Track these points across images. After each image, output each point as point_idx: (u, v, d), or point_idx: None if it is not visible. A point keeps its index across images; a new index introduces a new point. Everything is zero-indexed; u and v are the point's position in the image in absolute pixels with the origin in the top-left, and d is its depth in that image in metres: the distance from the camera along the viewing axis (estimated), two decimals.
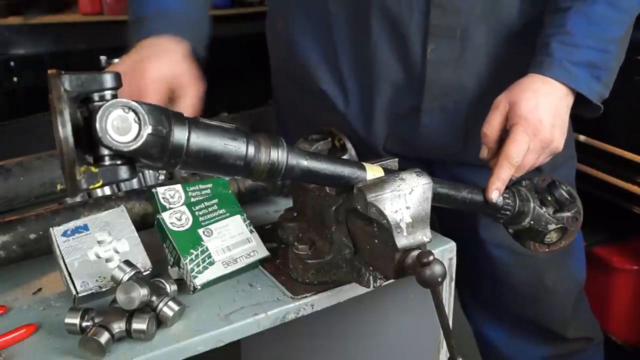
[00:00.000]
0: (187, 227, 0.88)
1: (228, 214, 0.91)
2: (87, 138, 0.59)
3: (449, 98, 1.07)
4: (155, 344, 0.74)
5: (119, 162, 0.60)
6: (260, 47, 1.34)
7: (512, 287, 1.25)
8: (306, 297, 0.83)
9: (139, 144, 0.59)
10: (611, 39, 0.95)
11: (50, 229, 0.85)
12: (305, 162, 0.72)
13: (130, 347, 0.74)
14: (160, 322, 0.77)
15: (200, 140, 0.64)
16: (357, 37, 1.07)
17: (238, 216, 0.91)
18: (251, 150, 0.67)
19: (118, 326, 0.73)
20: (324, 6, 1.08)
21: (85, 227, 0.86)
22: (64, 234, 0.84)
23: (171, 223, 0.87)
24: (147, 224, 0.94)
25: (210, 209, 0.91)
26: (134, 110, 0.59)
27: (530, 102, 0.91)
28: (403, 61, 1.04)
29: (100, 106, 0.58)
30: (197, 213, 0.89)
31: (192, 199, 0.91)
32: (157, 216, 0.88)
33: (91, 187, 0.59)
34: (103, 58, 2.46)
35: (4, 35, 2.47)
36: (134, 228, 0.87)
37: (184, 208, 0.89)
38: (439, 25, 0.99)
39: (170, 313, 0.76)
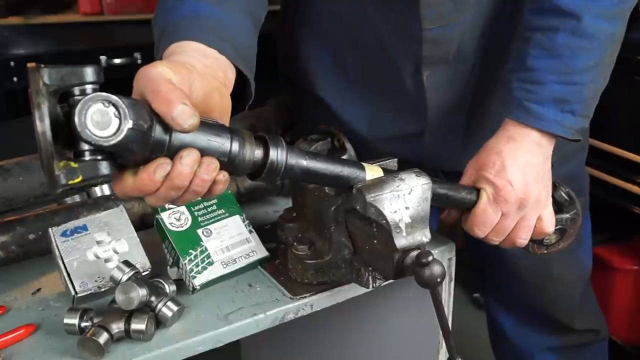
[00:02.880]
0: (186, 227, 0.87)
1: (227, 214, 0.91)
2: (68, 133, 0.58)
3: (451, 116, 1.07)
4: (154, 344, 0.74)
5: (99, 158, 0.59)
6: (260, 47, 1.34)
7: (520, 277, 1.26)
8: (305, 297, 0.83)
9: (119, 138, 0.57)
10: (579, 70, 0.87)
11: (49, 229, 0.85)
12: (304, 162, 0.72)
13: (129, 347, 0.74)
14: (159, 322, 0.77)
15: (182, 135, 0.62)
16: (358, 58, 1.07)
17: (237, 216, 0.91)
18: (235, 146, 0.66)
19: (117, 326, 0.73)
20: (327, 25, 1.08)
21: (84, 228, 0.86)
22: (63, 234, 0.84)
23: (170, 223, 0.87)
24: (146, 224, 0.94)
25: (209, 209, 0.91)
26: (114, 105, 0.57)
27: (496, 165, 0.88)
28: (400, 86, 1.04)
29: (80, 100, 0.56)
30: (196, 213, 0.89)
31: None
32: (156, 216, 0.88)
33: (70, 182, 0.57)
34: (103, 58, 2.46)
35: (4, 35, 2.47)
36: (133, 228, 0.87)
37: (183, 208, 0.89)
38: (431, 56, 0.99)
39: (169, 313, 0.76)
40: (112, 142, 0.57)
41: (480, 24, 0.99)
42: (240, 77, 0.78)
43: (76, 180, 0.58)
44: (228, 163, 0.66)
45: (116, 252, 0.85)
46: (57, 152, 0.57)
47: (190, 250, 0.85)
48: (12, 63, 2.42)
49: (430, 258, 0.68)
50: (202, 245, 0.86)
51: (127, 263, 0.79)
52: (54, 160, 0.56)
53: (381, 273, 0.79)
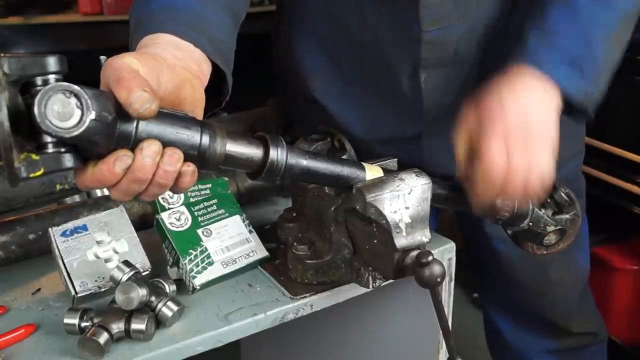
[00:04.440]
0: (186, 227, 0.87)
1: (227, 214, 0.91)
2: (30, 125, 0.56)
3: (449, 119, 1.07)
4: (154, 344, 0.74)
5: (62, 150, 0.57)
6: (260, 47, 1.34)
7: (517, 281, 1.26)
8: (305, 297, 0.83)
9: (81, 130, 0.55)
10: (595, 35, 0.88)
11: (50, 229, 0.85)
12: (304, 162, 0.72)
13: (129, 347, 0.74)
14: (159, 322, 0.77)
15: (150, 128, 0.61)
16: (354, 59, 1.07)
17: (237, 216, 0.91)
18: (205, 139, 0.64)
19: (117, 326, 0.73)
20: (322, 26, 1.07)
21: (85, 228, 0.86)
22: (63, 234, 0.84)
23: (170, 223, 0.87)
24: (146, 224, 0.94)
25: (209, 209, 0.91)
26: (76, 95, 0.55)
27: (493, 102, 0.83)
28: (397, 88, 1.04)
29: (41, 90, 0.55)
30: (196, 213, 0.89)
31: (191, 199, 0.91)
32: (156, 216, 0.88)
33: (32, 175, 0.56)
34: (103, 58, 2.47)
35: (4, 35, 2.47)
36: (133, 228, 0.87)
37: (183, 208, 0.89)
38: (429, 58, 0.98)
39: (169, 313, 0.76)
40: (74, 134, 0.55)
41: (480, 25, 0.99)
42: (219, 74, 0.77)
43: (37, 173, 0.56)
44: (198, 157, 0.64)
45: (116, 252, 0.85)
46: (18, 144, 0.55)
47: (190, 250, 0.85)
48: None
49: (430, 258, 0.68)
50: (202, 245, 0.86)
51: (127, 263, 0.79)
52: (13, 152, 0.54)
53: (381, 273, 0.79)
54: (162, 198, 0.90)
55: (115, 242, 0.85)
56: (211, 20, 0.78)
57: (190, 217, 0.89)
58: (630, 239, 1.83)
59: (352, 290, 0.86)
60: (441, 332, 0.73)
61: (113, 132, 0.58)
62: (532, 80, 0.84)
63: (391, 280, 0.82)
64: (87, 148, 0.59)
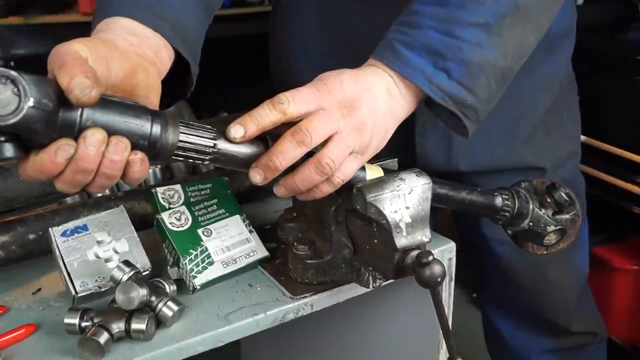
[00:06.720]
0: (186, 227, 0.88)
1: (227, 214, 0.91)
2: None
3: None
4: (154, 344, 0.74)
5: (2, 139, 0.55)
6: (259, 47, 1.34)
7: (516, 282, 1.26)
8: (305, 297, 0.83)
9: (18, 117, 0.53)
10: (463, 22, 0.75)
11: (50, 229, 0.85)
12: None
13: (130, 347, 0.74)
14: (159, 322, 0.77)
15: (96, 116, 0.58)
16: (346, 57, 1.07)
17: (237, 216, 0.91)
18: (156, 129, 0.62)
19: (117, 326, 0.73)
20: (315, 26, 1.07)
21: (85, 227, 0.86)
22: (64, 234, 0.84)
23: (170, 223, 0.87)
24: (147, 224, 0.94)
25: (209, 209, 0.91)
26: (13, 81, 0.53)
27: (334, 77, 0.74)
28: None
29: None
30: (196, 213, 0.89)
31: (192, 199, 0.91)
32: (157, 216, 0.88)
33: None
34: None
35: (4, 35, 2.47)
36: (133, 228, 0.87)
37: (184, 208, 0.89)
38: None
39: (170, 313, 0.76)
40: (10, 122, 0.53)
41: None
42: (185, 64, 0.75)
43: None
44: (149, 147, 0.62)
45: (116, 252, 0.85)
46: None
47: (191, 250, 0.85)
48: (12, 63, 2.42)
49: (430, 258, 0.68)
50: (203, 245, 0.86)
51: (127, 263, 0.79)
52: None
53: (381, 273, 0.80)
54: (163, 198, 0.90)
55: (115, 242, 0.85)
56: (176, 6, 0.76)
57: (190, 217, 0.89)
58: (630, 239, 1.83)
59: (352, 290, 0.86)
60: (441, 332, 0.73)
61: (55, 120, 0.56)
62: (381, 77, 0.76)
63: (391, 280, 0.82)
64: (28, 137, 0.57)
